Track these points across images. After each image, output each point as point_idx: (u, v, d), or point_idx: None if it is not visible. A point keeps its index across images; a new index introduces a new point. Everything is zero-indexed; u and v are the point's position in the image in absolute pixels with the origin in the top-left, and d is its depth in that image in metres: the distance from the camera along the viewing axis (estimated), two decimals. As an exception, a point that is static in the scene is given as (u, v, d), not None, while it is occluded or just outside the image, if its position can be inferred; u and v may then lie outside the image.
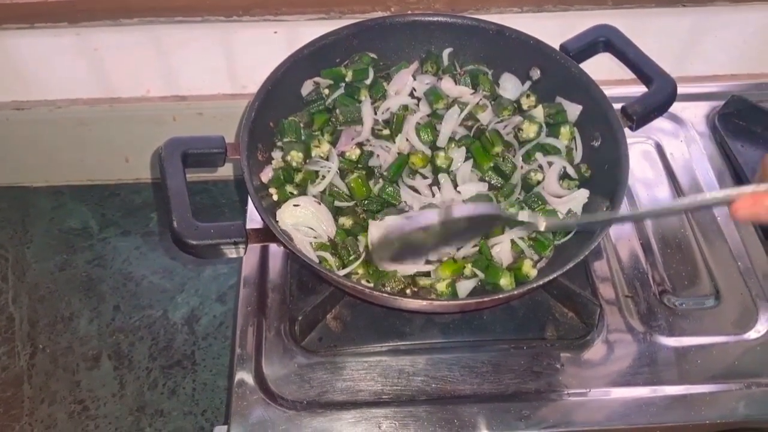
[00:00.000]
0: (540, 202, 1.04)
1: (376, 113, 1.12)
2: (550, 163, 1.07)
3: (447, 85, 1.15)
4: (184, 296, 1.61)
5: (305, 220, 1.01)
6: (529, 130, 1.09)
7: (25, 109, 1.64)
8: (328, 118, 1.12)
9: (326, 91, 1.13)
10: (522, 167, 1.08)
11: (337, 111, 1.11)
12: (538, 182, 1.07)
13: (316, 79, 1.13)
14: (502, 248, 1.00)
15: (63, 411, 1.45)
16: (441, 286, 0.98)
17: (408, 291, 0.99)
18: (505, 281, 0.97)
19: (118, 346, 1.54)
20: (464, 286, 0.99)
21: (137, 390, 1.48)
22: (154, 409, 1.46)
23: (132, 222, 1.75)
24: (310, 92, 1.13)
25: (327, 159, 1.07)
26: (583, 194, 1.04)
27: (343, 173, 1.06)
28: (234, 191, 1.80)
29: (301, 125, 1.10)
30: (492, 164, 1.06)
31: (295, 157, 1.06)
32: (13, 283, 1.64)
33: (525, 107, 1.13)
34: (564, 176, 1.08)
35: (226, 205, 1.77)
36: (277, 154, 1.08)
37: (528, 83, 1.15)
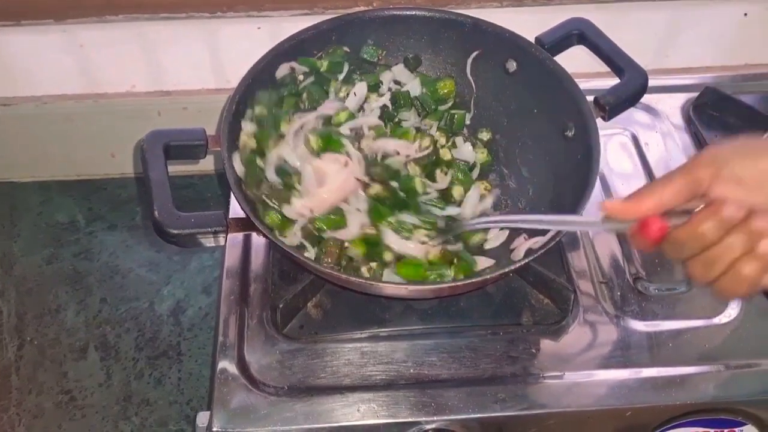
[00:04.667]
0: None
1: None
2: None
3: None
4: (170, 288, 1.63)
5: None
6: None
7: (12, 105, 1.65)
8: (296, 102, 1.12)
9: (301, 77, 1.13)
10: None
11: (303, 95, 1.11)
12: None
13: (293, 63, 1.13)
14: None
15: (50, 401, 1.46)
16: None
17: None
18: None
19: (104, 337, 1.55)
20: None
21: (124, 380, 1.50)
22: (140, 399, 1.47)
23: (118, 216, 1.76)
24: (284, 76, 1.12)
25: None
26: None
27: None
28: (218, 185, 1.81)
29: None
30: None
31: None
32: (1, 276, 1.65)
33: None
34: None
35: (212, 199, 1.78)
36: (247, 126, 1.05)
37: None
